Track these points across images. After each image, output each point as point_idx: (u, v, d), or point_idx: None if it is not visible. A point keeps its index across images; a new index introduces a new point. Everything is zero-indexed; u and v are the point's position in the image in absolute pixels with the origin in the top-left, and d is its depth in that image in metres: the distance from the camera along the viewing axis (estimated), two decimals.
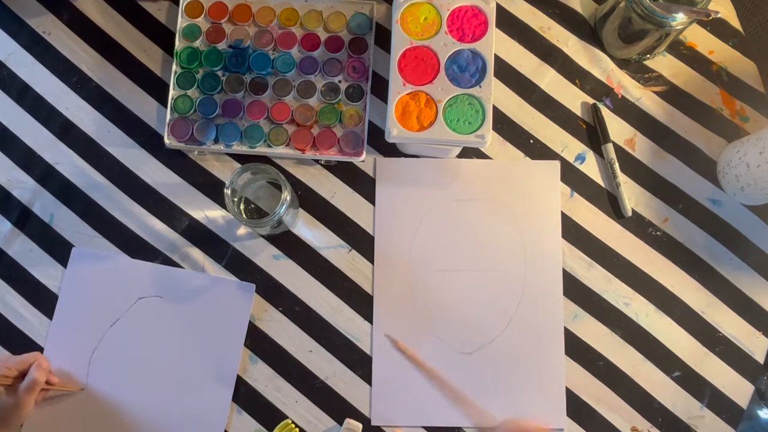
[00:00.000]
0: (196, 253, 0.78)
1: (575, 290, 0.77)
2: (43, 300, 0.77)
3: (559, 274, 0.78)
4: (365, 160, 0.79)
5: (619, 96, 0.81)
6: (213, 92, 0.79)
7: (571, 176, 0.80)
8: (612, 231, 0.79)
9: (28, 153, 0.80)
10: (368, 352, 0.76)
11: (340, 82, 0.79)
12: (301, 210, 0.79)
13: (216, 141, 0.78)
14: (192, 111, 0.79)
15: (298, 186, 0.79)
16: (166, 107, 0.79)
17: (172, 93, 0.79)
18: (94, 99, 0.81)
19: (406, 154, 0.80)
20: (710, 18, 0.69)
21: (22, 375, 0.69)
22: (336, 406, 0.75)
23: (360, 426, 0.74)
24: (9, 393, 0.68)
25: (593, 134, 0.81)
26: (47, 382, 0.70)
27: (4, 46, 0.82)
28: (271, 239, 0.78)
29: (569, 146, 0.80)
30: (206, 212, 0.79)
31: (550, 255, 0.78)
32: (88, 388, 0.75)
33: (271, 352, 0.76)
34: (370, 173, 0.80)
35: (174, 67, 0.79)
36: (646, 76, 0.82)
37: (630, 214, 0.79)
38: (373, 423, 0.75)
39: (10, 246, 0.78)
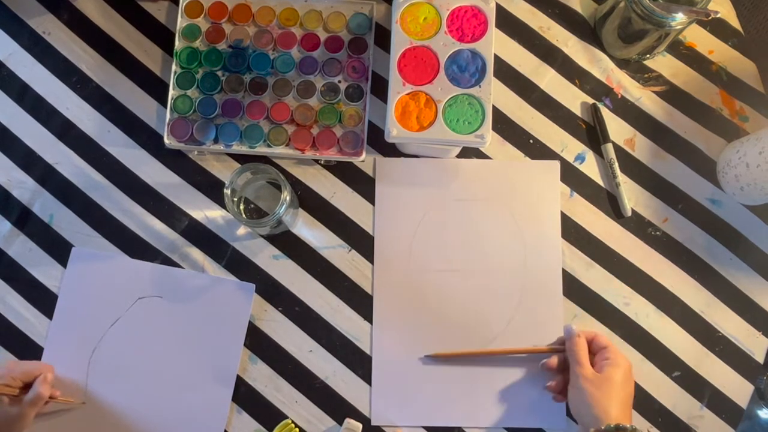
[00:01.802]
0: (196, 253, 0.78)
1: (575, 290, 0.77)
2: (43, 300, 0.77)
3: (559, 274, 0.78)
4: (365, 160, 0.79)
5: (619, 96, 0.81)
6: (213, 92, 0.79)
7: (571, 176, 0.80)
8: (612, 231, 0.79)
9: (28, 153, 0.80)
10: (368, 352, 0.76)
11: (339, 82, 0.79)
12: (300, 210, 0.79)
13: (216, 141, 0.78)
14: (192, 111, 0.79)
15: (297, 186, 0.79)
16: (165, 107, 0.79)
17: (172, 93, 0.79)
18: (94, 99, 0.81)
19: (406, 154, 0.80)
20: (710, 18, 0.69)
21: (26, 386, 0.70)
22: (336, 406, 0.75)
23: (360, 426, 0.74)
24: (13, 404, 0.68)
25: (593, 134, 0.81)
26: (50, 396, 0.70)
27: (4, 46, 0.82)
28: (271, 239, 0.78)
29: (569, 146, 0.80)
30: (206, 212, 0.79)
31: (550, 255, 0.78)
32: (88, 387, 0.75)
33: (271, 352, 0.76)
34: (370, 173, 0.80)
35: (174, 67, 0.79)
36: (646, 76, 0.82)
37: (630, 214, 0.79)
38: (373, 423, 0.75)
39: (10, 246, 0.78)
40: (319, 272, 0.78)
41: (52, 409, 0.73)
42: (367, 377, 0.76)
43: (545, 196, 0.79)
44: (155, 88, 0.81)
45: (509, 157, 0.80)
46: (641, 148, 0.81)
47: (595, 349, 0.71)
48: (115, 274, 0.77)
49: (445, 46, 0.72)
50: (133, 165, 0.80)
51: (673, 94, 0.81)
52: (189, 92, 0.79)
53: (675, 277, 0.78)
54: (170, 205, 0.79)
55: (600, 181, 0.80)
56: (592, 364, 0.69)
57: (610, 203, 0.80)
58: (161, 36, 0.82)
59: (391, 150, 0.80)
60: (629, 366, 0.69)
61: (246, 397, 0.75)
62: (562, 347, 0.72)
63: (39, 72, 0.81)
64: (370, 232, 0.78)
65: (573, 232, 0.79)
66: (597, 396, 0.66)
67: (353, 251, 0.78)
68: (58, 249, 0.78)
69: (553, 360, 0.72)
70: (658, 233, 0.79)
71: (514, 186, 0.79)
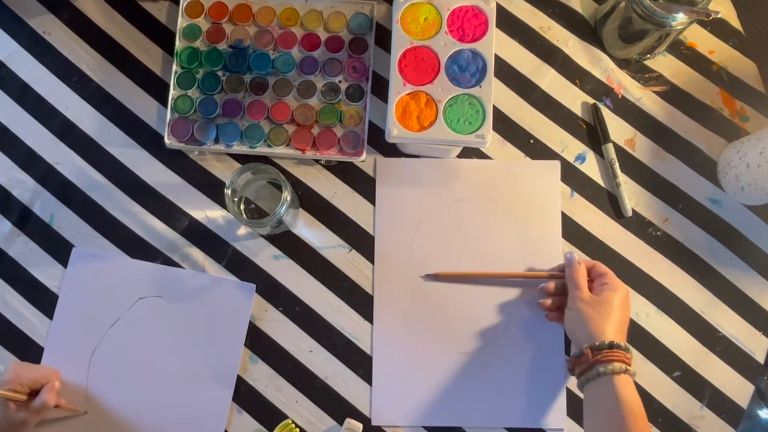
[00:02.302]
0: (196, 253, 0.78)
1: None
2: (43, 300, 0.77)
3: None
4: (365, 160, 0.79)
5: (619, 96, 0.81)
6: (213, 92, 0.79)
7: (571, 176, 0.80)
8: (612, 231, 0.79)
9: (28, 153, 0.80)
10: (368, 352, 0.76)
11: (340, 82, 0.79)
12: (301, 210, 0.79)
13: (216, 141, 0.78)
14: (192, 111, 0.79)
15: (298, 186, 0.79)
16: (166, 107, 0.79)
17: (173, 93, 0.79)
18: (94, 99, 0.81)
19: (407, 154, 0.80)
20: (710, 18, 0.69)
21: (32, 392, 0.70)
22: (336, 406, 0.75)
23: (360, 426, 0.74)
24: (19, 410, 0.68)
25: (593, 134, 0.81)
26: (55, 404, 0.71)
27: (4, 46, 0.82)
28: (271, 239, 0.78)
29: (569, 146, 0.80)
30: (206, 212, 0.79)
31: (550, 255, 0.78)
32: (89, 388, 0.75)
33: (271, 352, 0.76)
34: (370, 173, 0.80)
35: (174, 67, 0.79)
36: (646, 76, 0.82)
37: (630, 214, 0.79)
38: (374, 423, 0.75)
39: (10, 246, 0.78)
40: (320, 272, 0.78)
41: (53, 416, 0.73)
42: (367, 377, 0.76)
43: (546, 196, 0.79)
44: (156, 88, 0.81)
45: (510, 157, 0.80)
46: (642, 148, 0.81)
47: (593, 276, 0.72)
48: (115, 274, 0.77)
49: (445, 46, 0.72)
50: (134, 165, 0.80)
51: (673, 94, 0.81)
52: (189, 92, 0.79)
53: (675, 276, 0.78)
54: (171, 205, 0.79)
55: (600, 181, 0.80)
56: (590, 290, 0.71)
57: (610, 203, 0.80)
58: (162, 36, 0.82)
59: (391, 150, 0.80)
60: (627, 292, 0.71)
61: (246, 397, 0.75)
62: (561, 274, 0.74)
63: (39, 72, 0.81)
64: (371, 232, 0.78)
65: (573, 232, 0.79)
66: (593, 316, 0.68)
67: (353, 251, 0.78)
68: (59, 249, 0.78)
69: (552, 284, 0.74)
70: (658, 233, 0.79)
71: (515, 186, 0.79)
